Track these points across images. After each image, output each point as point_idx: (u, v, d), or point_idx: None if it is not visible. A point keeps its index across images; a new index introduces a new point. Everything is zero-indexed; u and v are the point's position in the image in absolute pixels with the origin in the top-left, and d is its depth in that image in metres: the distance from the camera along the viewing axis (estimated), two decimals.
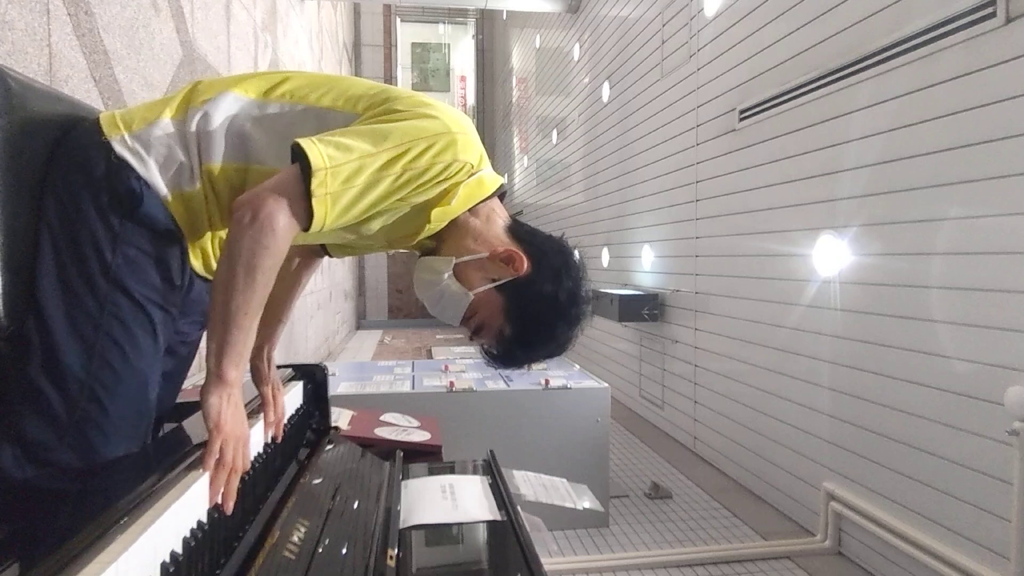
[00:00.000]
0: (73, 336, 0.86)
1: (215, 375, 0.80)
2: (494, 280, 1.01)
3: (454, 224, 1.01)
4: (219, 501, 0.76)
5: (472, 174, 0.97)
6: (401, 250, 1.13)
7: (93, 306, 0.87)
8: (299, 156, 0.84)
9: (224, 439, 0.78)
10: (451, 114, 0.96)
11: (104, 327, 0.87)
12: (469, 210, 1.01)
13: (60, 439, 0.85)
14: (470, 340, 1.07)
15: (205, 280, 1.02)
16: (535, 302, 1.00)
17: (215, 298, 0.82)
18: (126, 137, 0.91)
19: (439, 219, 0.98)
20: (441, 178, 0.93)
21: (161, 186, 0.91)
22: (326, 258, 1.25)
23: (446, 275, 1.01)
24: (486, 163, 1.03)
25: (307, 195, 0.82)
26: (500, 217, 1.05)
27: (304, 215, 0.83)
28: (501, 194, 1.07)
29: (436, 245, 1.05)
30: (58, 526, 0.54)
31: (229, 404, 0.80)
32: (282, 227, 0.81)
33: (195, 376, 2.46)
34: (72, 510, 0.60)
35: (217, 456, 0.77)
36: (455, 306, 1.02)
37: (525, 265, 1.00)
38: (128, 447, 0.91)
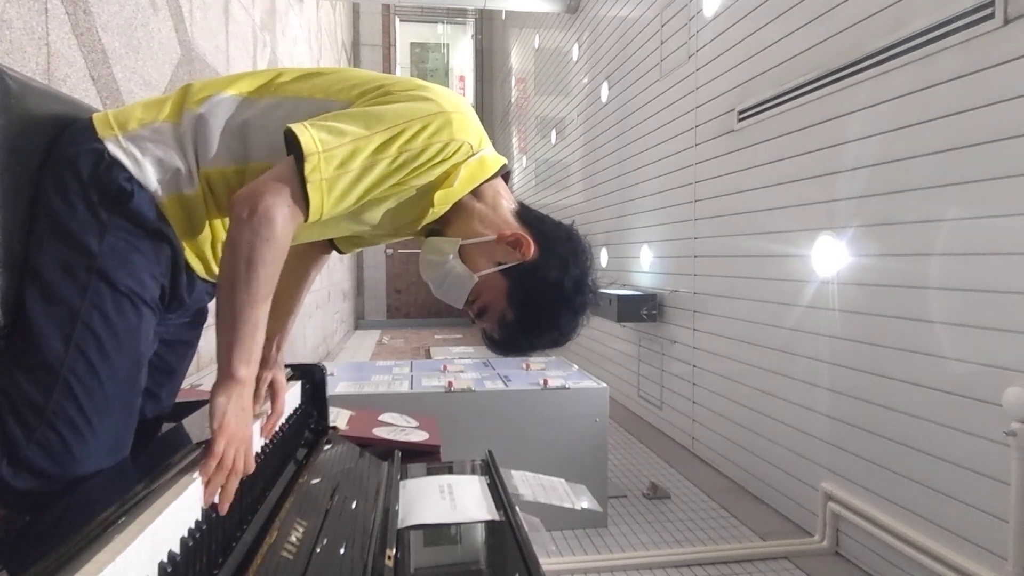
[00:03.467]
0: (51, 324, 0.82)
1: (225, 373, 0.79)
2: (500, 264, 0.99)
3: (460, 206, 1.00)
4: (215, 502, 0.75)
5: (472, 154, 0.96)
6: (407, 239, 1.11)
7: (74, 294, 0.83)
8: (291, 142, 0.83)
9: (227, 441, 0.77)
10: (447, 94, 0.94)
11: (83, 316, 0.83)
12: (474, 192, 0.99)
13: (29, 436, 0.80)
14: (472, 323, 1.06)
15: (205, 281, 1.01)
16: (540, 288, 0.98)
17: (221, 295, 0.81)
18: (120, 138, 0.89)
19: (442, 202, 0.96)
20: (439, 159, 0.91)
21: (156, 188, 0.89)
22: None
23: (451, 256, 0.99)
24: (487, 144, 1.01)
25: (303, 183, 0.82)
26: (507, 200, 1.04)
27: (303, 203, 0.83)
28: (506, 175, 1.06)
29: (443, 227, 1.03)
30: (56, 527, 0.54)
31: (236, 404, 0.79)
32: (281, 218, 0.81)
33: (192, 376, 2.46)
34: (70, 510, 0.59)
35: (219, 459, 0.75)
36: (459, 288, 1.00)
37: (532, 250, 0.98)
38: (107, 453, 0.85)
